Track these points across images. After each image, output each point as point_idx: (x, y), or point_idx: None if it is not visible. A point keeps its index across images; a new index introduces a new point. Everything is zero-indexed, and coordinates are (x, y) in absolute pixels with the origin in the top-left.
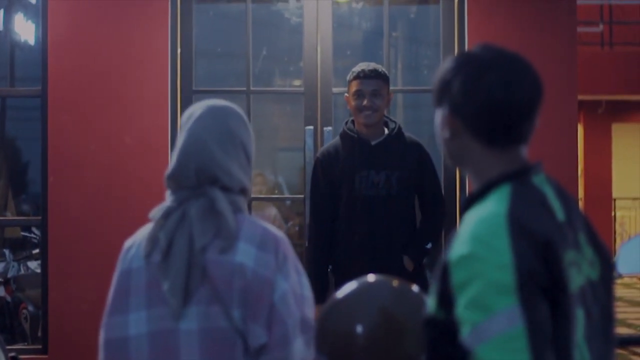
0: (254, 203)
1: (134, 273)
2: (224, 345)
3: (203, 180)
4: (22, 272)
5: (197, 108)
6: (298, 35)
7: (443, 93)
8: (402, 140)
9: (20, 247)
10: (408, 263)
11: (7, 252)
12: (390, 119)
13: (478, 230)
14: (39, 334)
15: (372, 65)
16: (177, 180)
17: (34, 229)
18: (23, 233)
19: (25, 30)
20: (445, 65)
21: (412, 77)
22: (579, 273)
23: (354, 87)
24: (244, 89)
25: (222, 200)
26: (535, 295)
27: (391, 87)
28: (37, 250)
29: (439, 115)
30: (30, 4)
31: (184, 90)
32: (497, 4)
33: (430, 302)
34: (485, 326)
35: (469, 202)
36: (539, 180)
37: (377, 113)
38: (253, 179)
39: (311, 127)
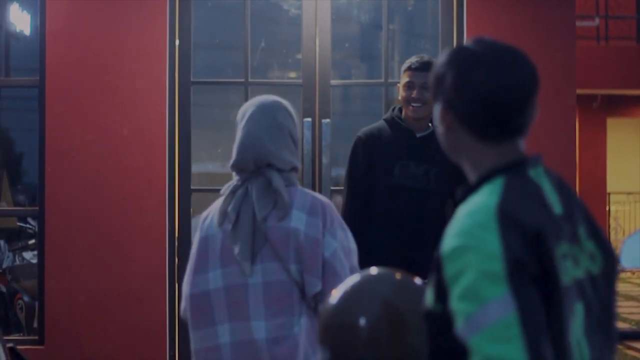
0: None
1: (210, 239)
2: (284, 294)
3: (260, 166)
4: (18, 262)
5: (250, 105)
6: (296, 27)
7: (437, 88)
8: None
9: (15, 238)
10: None
11: (2, 242)
12: None
13: (468, 222)
14: (35, 324)
15: (426, 58)
16: (239, 168)
17: (29, 219)
18: (19, 223)
19: (20, 20)
20: (439, 60)
21: None
22: (575, 266)
23: (405, 78)
24: (242, 80)
25: (277, 179)
26: (526, 283)
27: (389, 80)
28: (32, 241)
29: (435, 110)
30: None
31: (182, 82)
32: None
33: (428, 296)
34: (478, 316)
35: (464, 194)
36: (536, 173)
37: (425, 106)
38: None
39: (309, 119)
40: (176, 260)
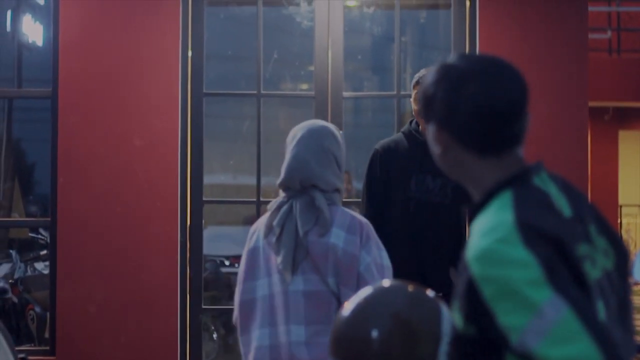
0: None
1: (256, 251)
2: (322, 303)
3: (306, 186)
4: (29, 273)
5: (300, 129)
6: (309, 39)
7: (428, 109)
8: None
9: (27, 249)
10: (454, 276)
11: (14, 253)
12: None
13: (489, 241)
14: (46, 335)
15: None
16: (286, 186)
17: (41, 230)
18: (31, 234)
19: (33, 31)
20: (426, 80)
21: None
22: (593, 266)
23: (415, 91)
24: (255, 92)
25: (320, 198)
26: (566, 281)
27: (401, 92)
28: (44, 252)
29: (428, 132)
30: (38, 5)
31: (194, 93)
32: (509, 10)
33: (457, 319)
34: (536, 324)
35: (472, 213)
36: (540, 180)
37: None
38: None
39: None
40: (188, 271)
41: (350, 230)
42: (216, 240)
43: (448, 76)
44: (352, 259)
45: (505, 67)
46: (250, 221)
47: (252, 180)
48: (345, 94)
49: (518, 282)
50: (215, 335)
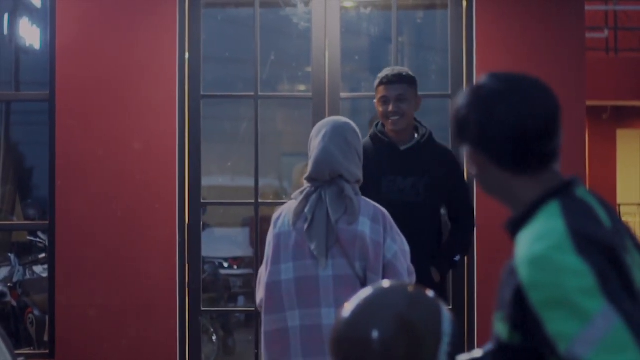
0: (262, 207)
1: (282, 236)
2: (350, 286)
3: (333, 177)
4: (28, 276)
5: (324, 125)
6: (306, 40)
7: (461, 131)
8: (432, 146)
9: (26, 252)
10: (435, 274)
11: (12, 256)
12: (422, 125)
13: (540, 247)
14: (45, 338)
15: (396, 69)
16: (315, 178)
17: (40, 234)
18: (29, 237)
19: (30, 34)
20: (457, 102)
21: (420, 82)
22: (637, 276)
23: (380, 93)
24: (252, 94)
25: (348, 189)
26: (619, 291)
27: None
28: (43, 255)
29: (464, 153)
30: (35, 8)
31: (191, 96)
32: (506, 10)
33: (501, 328)
34: (588, 333)
35: (516, 224)
36: (582, 193)
37: (403, 118)
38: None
39: None
40: (186, 273)
41: (374, 219)
42: (214, 242)
43: (480, 97)
44: (378, 246)
45: (535, 85)
46: (248, 223)
47: (250, 182)
48: (343, 94)
49: (571, 290)
50: (214, 337)
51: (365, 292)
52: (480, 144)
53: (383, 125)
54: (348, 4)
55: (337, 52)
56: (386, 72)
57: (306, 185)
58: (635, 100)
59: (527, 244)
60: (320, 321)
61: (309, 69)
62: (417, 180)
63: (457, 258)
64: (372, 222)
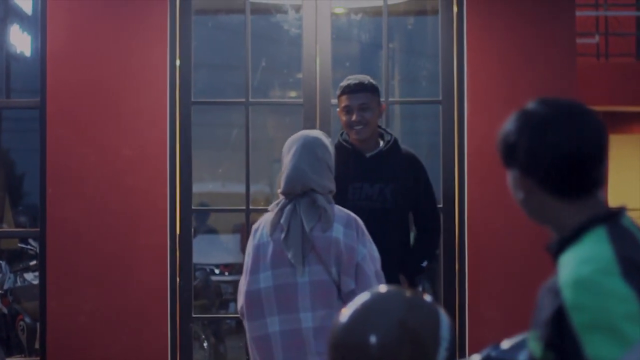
0: (253, 214)
1: (261, 246)
2: (326, 291)
3: (305, 190)
4: (19, 283)
5: (295, 141)
6: (297, 46)
7: (510, 156)
8: (398, 152)
9: (17, 259)
10: (403, 281)
11: (3, 263)
12: (387, 131)
13: (586, 270)
14: (37, 345)
15: (359, 78)
16: (287, 192)
17: (30, 241)
18: (20, 244)
19: (21, 42)
20: (506, 127)
21: (411, 88)
22: None
23: (342, 102)
24: (243, 100)
25: (321, 199)
26: None
27: (390, 99)
28: (34, 262)
29: (510, 177)
30: (26, 15)
31: (182, 102)
32: (496, 16)
33: (534, 347)
34: (627, 359)
35: (560, 245)
36: (627, 222)
37: (367, 127)
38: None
39: None
40: (178, 280)
41: (348, 225)
42: (205, 249)
43: (530, 123)
44: (352, 251)
45: (585, 112)
46: (239, 229)
47: (241, 188)
48: (334, 101)
49: (615, 315)
50: (205, 344)
51: (364, 297)
52: (530, 170)
53: (347, 135)
54: (339, 10)
55: (328, 58)
56: (348, 81)
57: (281, 197)
58: (626, 106)
59: (573, 266)
60: (299, 325)
61: (300, 76)
62: (383, 187)
63: (425, 264)
64: (346, 228)
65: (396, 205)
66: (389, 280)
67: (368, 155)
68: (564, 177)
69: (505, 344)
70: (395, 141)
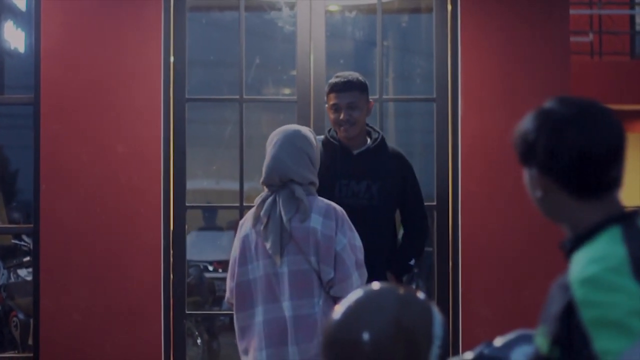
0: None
1: (246, 239)
2: (305, 280)
3: (285, 181)
4: (12, 280)
5: (276, 134)
6: (291, 43)
7: (528, 155)
8: (384, 150)
9: (10, 255)
10: (391, 279)
11: None
12: (374, 129)
13: (597, 268)
14: (30, 342)
15: (347, 76)
16: (267, 183)
17: (24, 237)
18: (14, 241)
19: (15, 38)
20: (523, 125)
21: (405, 86)
22: None
23: (331, 100)
24: (237, 97)
25: (299, 190)
26: None
27: (384, 96)
28: (27, 258)
29: (526, 176)
30: (20, 12)
31: (176, 99)
32: (491, 14)
33: (541, 342)
34: (632, 352)
35: (574, 243)
36: None
37: (355, 126)
38: None
39: None
40: (171, 276)
41: (326, 215)
42: (199, 246)
43: (549, 122)
44: (330, 240)
45: (603, 111)
46: (233, 226)
47: (235, 185)
48: None
49: (623, 311)
50: (199, 341)
51: (357, 294)
52: (549, 169)
53: (335, 132)
54: (333, 8)
55: (322, 55)
56: (337, 79)
57: (265, 190)
58: (619, 104)
59: (584, 263)
60: (281, 314)
61: (294, 73)
62: (370, 184)
63: (412, 262)
64: (324, 218)
65: (383, 202)
66: (377, 277)
67: (355, 152)
68: (582, 177)
69: (498, 342)
70: (383, 139)
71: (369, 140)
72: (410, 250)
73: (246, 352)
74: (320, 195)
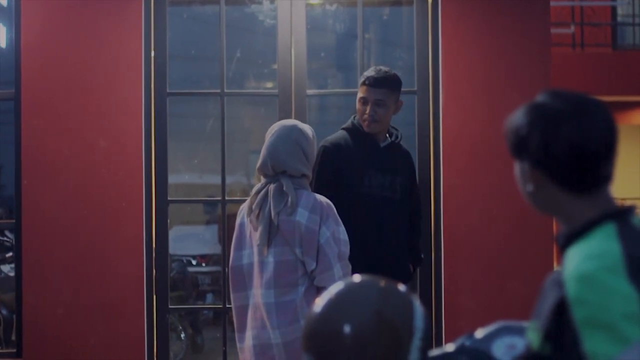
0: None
1: (242, 226)
2: (290, 270)
3: (277, 172)
4: None
5: (275, 126)
6: (272, 37)
7: (520, 149)
8: (401, 147)
9: None
10: (410, 270)
11: None
12: (392, 126)
13: (592, 266)
14: (13, 337)
15: (382, 71)
16: (262, 171)
17: (6, 232)
18: None
19: None
20: (516, 119)
21: None
22: None
23: (361, 92)
24: (218, 91)
25: (288, 184)
26: None
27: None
28: (10, 254)
29: (518, 169)
30: (0, 7)
31: (158, 94)
32: (471, 6)
33: (533, 337)
34: (624, 357)
35: (568, 239)
36: (637, 221)
37: (378, 124)
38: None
39: None
40: (154, 271)
41: (313, 210)
42: (182, 240)
43: (542, 116)
44: (313, 233)
45: (596, 106)
46: (215, 220)
47: (217, 180)
48: (309, 91)
49: (615, 314)
50: (182, 335)
51: (337, 287)
52: (542, 163)
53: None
54: (314, 1)
55: (303, 49)
56: (371, 72)
57: (262, 180)
58: (601, 95)
59: (579, 260)
60: (260, 300)
61: (275, 66)
62: (393, 178)
63: (422, 256)
64: (310, 212)
65: (404, 196)
66: (400, 268)
67: (382, 145)
68: (575, 171)
69: (480, 333)
70: (401, 136)
71: (388, 135)
72: (419, 246)
73: (240, 329)
74: (349, 184)
